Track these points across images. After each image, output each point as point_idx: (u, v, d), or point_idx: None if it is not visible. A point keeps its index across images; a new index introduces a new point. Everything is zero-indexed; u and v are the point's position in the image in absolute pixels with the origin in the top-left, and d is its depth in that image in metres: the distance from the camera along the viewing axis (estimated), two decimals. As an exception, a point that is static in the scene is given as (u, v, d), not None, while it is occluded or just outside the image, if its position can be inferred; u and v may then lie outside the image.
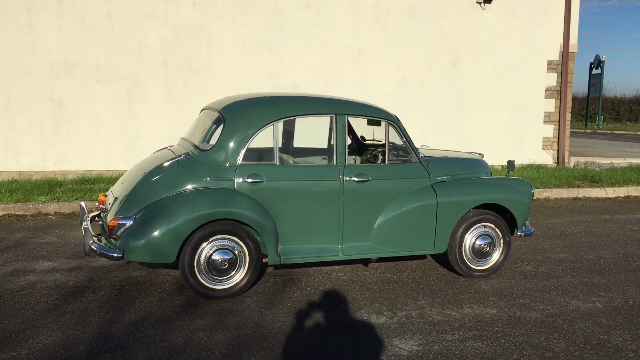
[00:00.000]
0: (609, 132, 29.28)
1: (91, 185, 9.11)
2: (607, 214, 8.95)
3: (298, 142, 6.08)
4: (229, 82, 10.57)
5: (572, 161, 13.06)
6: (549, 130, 12.63)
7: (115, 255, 4.51)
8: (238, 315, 4.46)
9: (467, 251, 5.47)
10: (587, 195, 10.42)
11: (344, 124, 5.08)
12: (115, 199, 4.91)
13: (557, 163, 12.68)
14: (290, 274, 5.49)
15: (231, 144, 4.82)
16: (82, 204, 5.50)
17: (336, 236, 5.07)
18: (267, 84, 10.76)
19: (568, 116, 12.64)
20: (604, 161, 13.33)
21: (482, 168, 5.93)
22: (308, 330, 4.21)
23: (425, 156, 5.52)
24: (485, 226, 5.50)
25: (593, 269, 5.97)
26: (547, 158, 12.63)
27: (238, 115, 4.96)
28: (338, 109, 5.12)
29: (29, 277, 5.20)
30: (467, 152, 6.34)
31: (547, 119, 12.57)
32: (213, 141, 5.13)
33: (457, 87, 11.85)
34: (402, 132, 5.30)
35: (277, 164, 4.94)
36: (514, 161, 5.94)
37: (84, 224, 5.23)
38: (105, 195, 5.54)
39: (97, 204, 7.98)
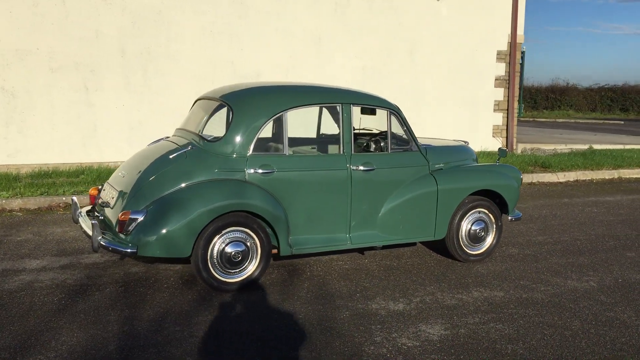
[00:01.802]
0: (531, 119, 30.70)
1: (52, 179, 8.70)
2: (565, 197, 9.41)
3: (294, 132, 6.03)
4: (190, 71, 10.33)
5: (519, 148, 13.60)
6: (499, 118, 13.10)
7: (129, 250, 4.35)
8: (257, 308, 4.41)
9: (464, 236, 5.63)
10: (540, 180, 10.90)
11: (349, 113, 5.10)
12: (121, 192, 4.72)
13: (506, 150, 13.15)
14: (292, 264, 5.47)
15: (242, 135, 4.74)
16: (74, 198, 5.29)
17: (344, 225, 5.10)
18: (229, 73, 10.59)
19: (516, 105, 13.14)
20: (548, 147, 13.98)
21: (470, 155, 6.10)
22: (334, 320, 4.22)
23: (422, 145, 5.61)
24: (479, 212, 5.67)
25: (573, 250, 6.28)
26: (496, 145, 13.09)
27: (248, 104, 4.88)
28: (344, 98, 5.13)
29: (23, 277, 4.94)
30: (453, 140, 6.50)
31: (497, 107, 13.03)
32: (218, 132, 5.03)
33: (414, 77, 12.08)
34: (403, 121, 5.38)
35: (287, 154, 4.90)
36: (505, 149, 6.14)
37: (81, 219, 5.03)
38: (98, 189, 5.33)
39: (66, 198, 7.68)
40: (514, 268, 5.58)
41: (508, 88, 13.00)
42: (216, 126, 5.07)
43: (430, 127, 12.21)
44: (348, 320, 4.23)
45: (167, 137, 5.49)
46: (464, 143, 6.37)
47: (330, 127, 6.20)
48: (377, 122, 5.81)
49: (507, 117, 13.10)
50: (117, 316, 4.18)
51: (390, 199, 5.26)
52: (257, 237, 4.72)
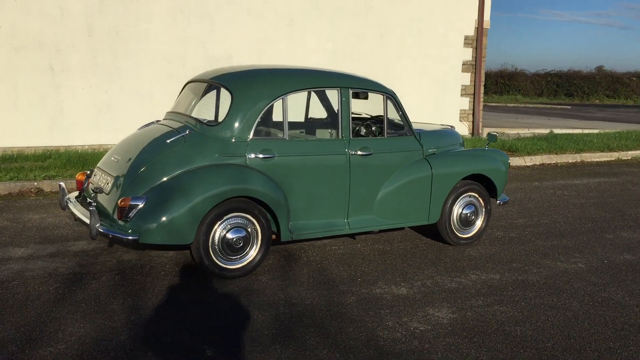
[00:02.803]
0: (482, 104, 31.25)
1: (19, 163, 8.35)
2: (535, 181, 9.63)
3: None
4: (160, 51, 10.06)
5: (484, 132, 13.84)
6: (465, 103, 13.28)
7: (130, 238, 4.22)
8: (263, 294, 4.36)
9: (455, 220, 5.70)
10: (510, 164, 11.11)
11: (348, 97, 5.06)
12: (117, 177, 4.57)
13: (472, 134, 13.39)
14: (287, 250, 5.43)
15: (242, 119, 4.64)
16: (62, 184, 5.12)
17: (342, 210, 5.08)
18: (200, 54, 10.36)
19: (482, 89, 13.34)
20: (512, 132, 14.28)
21: (458, 139, 6.16)
22: (342, 305, 4.21)
23: (415, 130, 5.63)
24: (470, 196, 5.75)
25: (554, 232, 6.44)
26: (463, 129, 13.28)
27: (248, 88, 4.77)
28: (343, 82, 5.08)
29: (11, 266, 4.73)
30: (440, 125, 6.54)
31: (464, 91, 13.20)
32: (212, 115, 4.91)
33: (385, 60, 12.10)
34: (399, 105, 5.38)
35: (287, 138, 4.83)
36: (495, 134, 6.23)
37: (71, 205, 4.85)
38: (86, 174, 5.15)
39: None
40: (503, 251, 5.69)
41: (475, 73, 13.18)
42: (211, 110, 4.95)
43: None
44: (355, 305, 4.23)
45: (158, 121, 5.33)
46: (450, 127, 6.42)
47: (319, 111, 6.16)
48: (367, 106, 5.78)
49: (474, 102, 13.30)
50: (120, 305, 4.06)
51: (386, 183, 5.27)
52: (257, 222, 4.65)
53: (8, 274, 4.57)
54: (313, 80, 5.08)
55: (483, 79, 13.34)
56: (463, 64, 13.06)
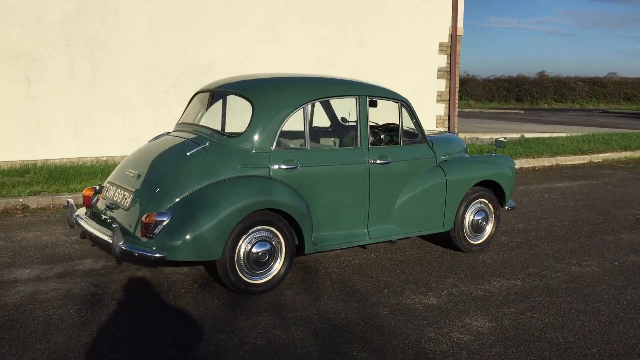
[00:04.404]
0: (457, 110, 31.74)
1: (-2, 178, 7.98)
2: (519, 185, 9.75)
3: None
4: (141, 61, 9.79)
5: (459, 138, 13.99)
6: (441, 109, 13.39)
7: (157, 255, 4.03)
8: (293, 310, 4.24)
9: (467, 227, 5.69)
10: (489, 169, 11.24)
11: (366, 105, 4.99)
12: (137, 192, 4.37)
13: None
14: (302, 262, 5.31)
15: (265, 129, 4.51)
16: (70, 200, 4.91)
17: (363, 220, 5.00)
18: (181, 63, 10.13)
19: (457, 96, 13.49)
20: (485, 137, 14.48)
21: (463, 145, 6.17)
22: (378, 318, 4.13)
23: (427, 137, 5.61)
24: (480, 202, 5.75)
25: (557, 236, 6.51)
26: (440, 135, 13.37)
27: (269, 97, 4.65)
28: (361, 90, 5.02)
29: (21, 289, 4.47)
30: (444, 130, 6.54)
31: (439, 98, 13.31)
32: (229, 126, 4.78)
33: (364, 68, 12.08)
34: (413, 113, 5.34)
35: (308, 148, 4.73)
36: (504, 140, 6.26)
37: (82, 222, 4.64)
38: (94, 189, 4.92)
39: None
40: (515, 256, 5.71)
41: (450, 79, 13.32)
42: (230, 120, 4.82)
43: (377, 117, 12.26)
44: (391, 317, 4.15)
45: (169, 133, 5.14)
46: (454, 134, 6.43)
47: (322, 120, 6.08)
48: (373, 115, 5.73)
49: (449, 108, 13.42)
50: (148, 327, 3.87)
51: (404, 192, 5.22)
52: (281, 235, 4.53)
53: (20, 297, 4.32)
54: (332, 88, 5.00)
55: (457, 85, 13.49)
56: (438, 71, 13.18)
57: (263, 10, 10.83)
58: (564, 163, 12.35)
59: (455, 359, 3.57)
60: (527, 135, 15.32)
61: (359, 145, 4.97)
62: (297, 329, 3.91)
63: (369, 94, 5.05)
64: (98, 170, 8.64)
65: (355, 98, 4.96)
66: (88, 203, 4.89)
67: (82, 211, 4.89)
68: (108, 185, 4.77)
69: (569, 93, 41.10)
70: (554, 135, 15.76)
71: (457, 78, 13.40)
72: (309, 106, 4.73)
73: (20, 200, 7.13)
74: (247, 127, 4.52)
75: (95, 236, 4.39)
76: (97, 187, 4.93)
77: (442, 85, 13.30)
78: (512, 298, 4.60)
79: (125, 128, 9.78)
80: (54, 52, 9.17)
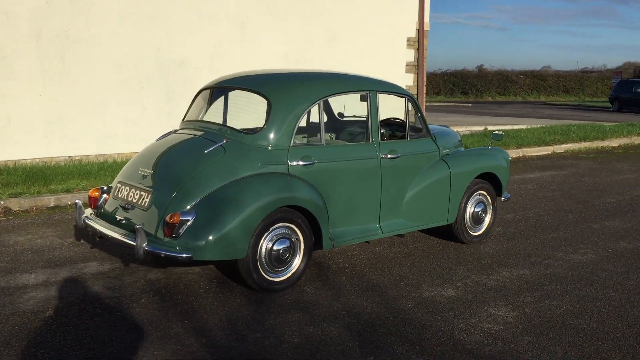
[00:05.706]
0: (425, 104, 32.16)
1: (-28, 180, 7.62)
2: (494, 177, 9.97)
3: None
4: (112, 56, 9.52)
5: (427, 131, 14.20)
6: (410, 103, 13.53)
7: (184, 256, 3.95)
8: (319, 306, 4.23)
9: (468, 219, 5.80)
10: (462, 162, 11.46)
11: (376, 101, 5.02)
12: (155, 192, 4.26)
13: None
14: (312, 257, 5.27)
15: (283, 125, 4.48)
16: (79, 201, 4.75)
17: (375, 215, 5.03)
18: (154, 59, 9.91)
19: (424, 90, 13.68)
20: (463, 129, 14.73)
21: (458, 138, 6.27)
22: (404, 311, 4.17)
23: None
24: (479, 194, 5.87)
25: (546, 225, 6.70)
26: (409, 129, 13.54)
27: (285, 93, 4.61)
28: (371, 86, 5.04)
29: (33, 295, 4.30)
30: (438, 124, 6.63)
31: (408, 92, 13.44)
32: (242, 123, 4.72)
33: (335, 63, 12.08)
34: (418, 107, 5.40)
35: (324, 144, 4.72)
36: (501, 133, 6.38)
37: (92, 223, 4.50)
38: (101, 189, 4.78)
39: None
40: (514, 246, 5.85)
41: (417, 74, 13.49)
42: (243, 117, 4.76)
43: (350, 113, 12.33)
44: (417, 310, 4.20)
45: (177, 130, 5.03)
46: (448, 127, 6.53)
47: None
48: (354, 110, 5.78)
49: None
50: (182, 328, 3.80)
51: (412, 185, 5.28)
52: (300, 232, 4.51)
53: (34, 303, 4.15)
54: (344, 84, 5.01)
55: (425, 79, 13.68)
56: (407, 65, 13.33)
57: (234, 7, 10.70)
58: (530, 154, 12.70)
59: (492, 348, 3.64)
60: (490, 127, 15.68)
61: (370, 140, 4.99)
62: (329, 325, 3.91)
63: (379, 89, 5.07)
64: (74, 171, 8.36)
65: (367, 93, 4.98)
66: (95, 204, 4.75)
67: (89, 212, 4.75)
68: (120, 185, 4.63)
69: (512, 86, 42.41)
70: (515, 127, 16.19)
71: (425, 72, 13.59)
72: (322, 102, 4.71)
73: (2, 202, 6.83)
74: (265, 123, 4.47)
75: (111, 237, 4.26)
76: (105, 188, 4.79)
77: (410, 79, 13.45)
78: (525, 287, 4.72)
79: (99, 126, 9.51)
80: (23, 48, 8.81)
